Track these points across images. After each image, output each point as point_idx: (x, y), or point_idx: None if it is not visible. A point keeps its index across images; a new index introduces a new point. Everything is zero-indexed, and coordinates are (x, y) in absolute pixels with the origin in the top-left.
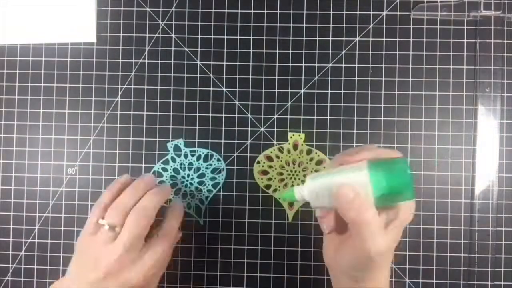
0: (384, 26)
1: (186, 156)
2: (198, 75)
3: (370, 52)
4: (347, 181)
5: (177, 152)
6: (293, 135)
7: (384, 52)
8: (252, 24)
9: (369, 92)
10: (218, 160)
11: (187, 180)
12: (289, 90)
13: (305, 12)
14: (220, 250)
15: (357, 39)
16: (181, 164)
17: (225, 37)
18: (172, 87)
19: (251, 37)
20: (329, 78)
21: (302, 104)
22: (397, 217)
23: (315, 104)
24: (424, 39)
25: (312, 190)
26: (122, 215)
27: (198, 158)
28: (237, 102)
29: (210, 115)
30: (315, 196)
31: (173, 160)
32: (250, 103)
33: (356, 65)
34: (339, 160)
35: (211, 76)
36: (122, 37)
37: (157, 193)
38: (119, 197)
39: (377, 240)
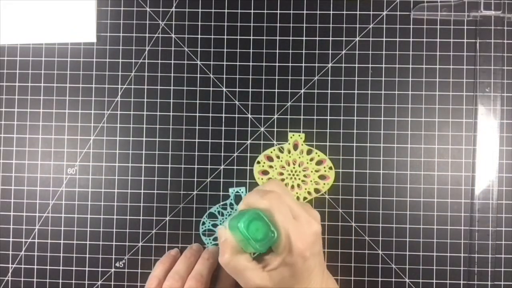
0: (384, 26)
1: None
2: (198, 75)
3: (370, 52)
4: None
5: (238, 200)
6: (293, 135)
7: (384, 52)
8: (252, 24)
9: (369, 92)
10: None
11: None
12: (289, 90)
13: (305, 12)
14: None
15: (357, 39)
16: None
17: (225, 37)
18: (172, 87)
19: (251, 37)
20: (329, 78)
21: (302, 104)
22: (270, 263)
23: (315, 104)
24: (424, 39)
25: None
26: (180, 283)
27: None
28: (237, 102)
29: (210, 115)
30: None
31: (231, 206)
32: (250, 103)
33: (356, 65)
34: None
35: (211, 76)
36: (122, 37)
37: (209, 258)
38: (174, 267)
39: (245, 278)
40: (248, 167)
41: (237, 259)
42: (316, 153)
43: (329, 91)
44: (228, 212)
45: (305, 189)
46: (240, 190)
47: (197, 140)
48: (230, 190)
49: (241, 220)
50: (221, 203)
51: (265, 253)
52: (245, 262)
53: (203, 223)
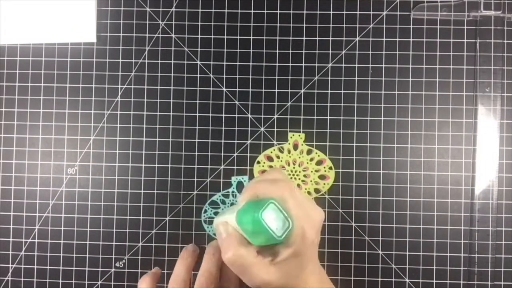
0: (384, 26)
1: None
2: (198, 75)
3: (370, 52)
4: (228, 220)
5: (241, 187)
6: (293, 135)
7: (384, 52)
8: (252, 24)
9: (369, 92)
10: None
11: None
12: (289, 90)
13: (305, 12)
14: None
15: (357, 39)
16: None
17: (225, 37)
18: (172, 87)
19: (251, 37)
20: (329, 78)
21: (302, 104)
22: (280, 254)
23: (315, 104)
24: (424, 39)
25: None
26: (183, 286)
27: None
28: (237, 102)
29: (210, 115)
30: None
31: (234, 195)
32: (250, 103)
33: (356, 65)
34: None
35: (211, 76)
36: (122, 37)
37: (215, 253)
38: (173, 271)
39: (252, 274)
40: (248, 167)
41: (243, 255)
42: (316, 153)
43: (329, 91)
44: (230, 201)
45: (305, 189)
46: (242, 178)
47: (197, 140)
48: (233, 178)
49: (259, 211)
50: (223, 191)
51: (269, 246)
52: (251, 258)
53: (205, 211)
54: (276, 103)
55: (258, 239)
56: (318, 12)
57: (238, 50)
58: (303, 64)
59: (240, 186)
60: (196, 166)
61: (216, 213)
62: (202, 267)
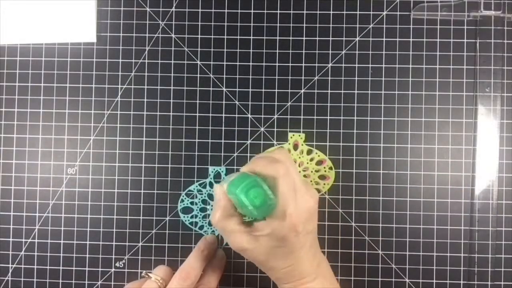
0: (384, 26)
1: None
2: (198, 75)
3: (370, 52)
4: (224, 186)
5: (217, 179)
6: (293, 135)
7: (384, 52)
8: (252, 24)
9: (369, 92)
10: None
11: None
12: (289, 90)
13: (305, 12)
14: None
15: (357, 39)
16: None
17: (225, 37)
18: (172, 87)
19: (251, 37)
20: (329, 78)
21: (302, 104)
22: (263, 228)
23: (315, 104)
24: (424, 39)
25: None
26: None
27: None
28: (237, 102)
29: (210, 115)
30: None
31: (211, 185)
32: (250, 103)
33: (356, 65)
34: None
35: (211, 76)
36: (122, 37)
37: (205, 249)
38: (189, 260)
39: (232, 240)
40: None
41: (227, 221)
42: (316, 153)
43: (329, 91)
44: (207, 191)
45: None
46: (220, 169)
47: (197, 140)
48: (210, 169)
49: (240, 186)
50: (200, 181)
51: (258, 219)
52: (234, 225)
53: (182, 201)
54: (276, 103)
55: (241, 210)
56: (318, 12)
57: (238, 50)
58: (303, 64)
59: (217, 176)
60: (196, 166)
61: (192, 203)
62: (187, 261)
